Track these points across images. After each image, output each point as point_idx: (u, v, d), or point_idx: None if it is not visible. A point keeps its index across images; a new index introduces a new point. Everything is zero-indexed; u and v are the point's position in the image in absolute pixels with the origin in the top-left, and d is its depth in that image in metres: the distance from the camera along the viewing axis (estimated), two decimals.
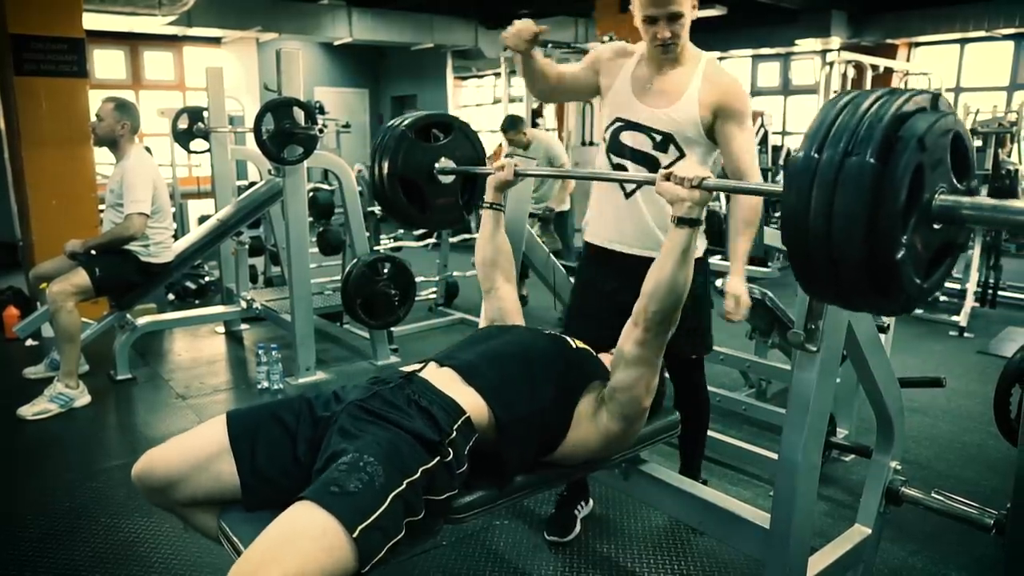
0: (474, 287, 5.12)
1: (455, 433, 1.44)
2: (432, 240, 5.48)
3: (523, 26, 1.99)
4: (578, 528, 2.36)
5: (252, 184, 4.93)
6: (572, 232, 5.66)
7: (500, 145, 6.64)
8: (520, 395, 1.56)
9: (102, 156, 4.43)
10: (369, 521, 1.21)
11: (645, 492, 2.04)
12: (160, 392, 3.65)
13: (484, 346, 1.68)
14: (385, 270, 3.80)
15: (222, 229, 4.01)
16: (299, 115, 3.34)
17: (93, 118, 3.56)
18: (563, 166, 5.20)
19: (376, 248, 4.58)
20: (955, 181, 1.10)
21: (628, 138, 2.07)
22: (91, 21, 5.51)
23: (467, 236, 5.49)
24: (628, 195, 2.09)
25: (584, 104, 6.98)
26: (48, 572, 2.13)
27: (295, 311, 3.62)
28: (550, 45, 7.00)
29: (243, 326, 4.71)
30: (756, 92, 10.58)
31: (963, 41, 9.06)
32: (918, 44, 9.46)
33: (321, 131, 3.48)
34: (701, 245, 2.15)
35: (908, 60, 9.40)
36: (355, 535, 1.18)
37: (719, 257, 4.52)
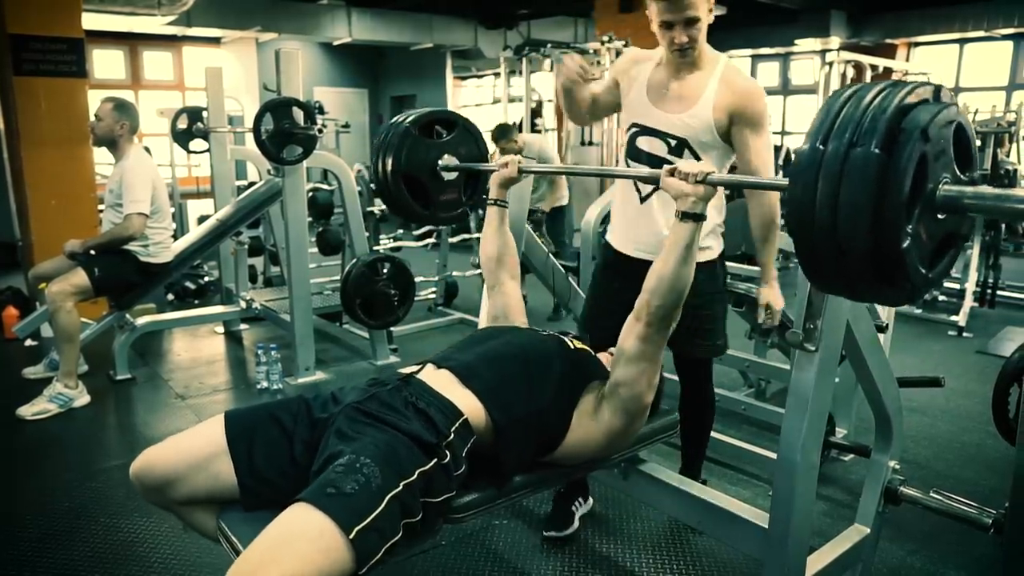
0: (473, 287, 5.14)
1: (452, 435, 1.44)
2: (432, 240, 5.48)
3: (572, 63, 2.07)
4: (576, 524, 2.36)
5: (251, 184, 4.93)
6: (571, 231, 5.66)
7: (493, 153, 6.65)
8: (518, 397, 1.56)
9: (101, 156, 4.44)
10: (366, 523, 1.21)
11: (644, 492, 2.04)
12: (159, 392, 3.65)
13: (482, 348, 1.67)
14: (384, 270, 3.80)
15: (221, 229, 4.01)
16: (298, 115, 3.34)
17: (92, 118, 3.56)
18: None
19: (375, 248, 4.57)
20: (958, 171, 1.11)
21: (644, 143, 2.08)
22: (90, 21, 5.50)
23: (466, 236, 5.49)
24: (643, 199, 2.10)
25: None
26: (47, 572, 2.13)
27: (294, 311, 3.62)
28: (549, 45, 7.02)
29: (242, 326, 4.72)
30: None
31: (962, 41, 9.06)
32: (917, 44, 9.46)
33: (320, 131, 3.48)
34: (717, 246, 2.15)
35: (907, 60, 9.40)
36: (352, 536, 1.18)
37: None
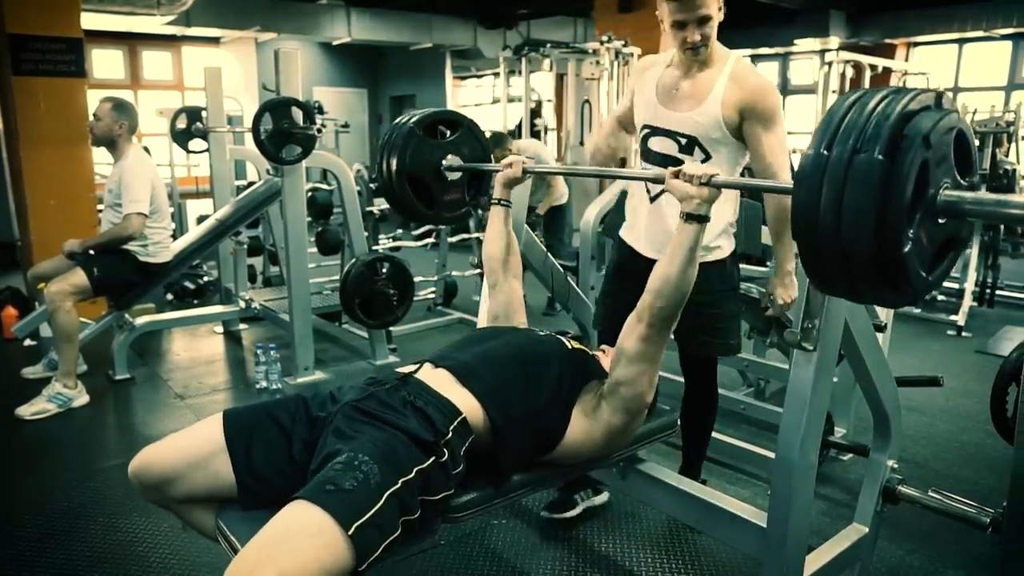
0: (473, 287, 5.13)
1: (451, 434, 1.44)
2: (431, 240, 5.48)
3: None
4: (576, 512, 2.37)
5: (251, 184, 4.93)
6: (570, 231, 5.66)
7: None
8: (516, 397, 1.56)
9: (100, 156, 4.44)
10: (364, 519, 1.21)
11: (643, 491, 2.04)
12: (158, 392, 3.65)
13: (480, 348, 1.68)
14: (384, 270, 3.80)
15: (220, 229, 4.01)
16: (297, 115, 3.34)
17: (91, 118, 3.56)
18: None
19: (375, 248, 4.57)
20: (958, 177, 1.13)
21: (656, 144, 2.10)
22: (89, 21, 5.50)
23: (466, 236, 5.49)
24: (653, 199, 2.12)
25: (582, 104, 6.99)
26: (46, 572, 2.13)
27: (293, 311, 3.63)
28: (549, 45, 7.02)
29: (242, 326, 4.71)
30: None
31: (961, 41, 9.07)
32: (916, 44, 9.46)
33: (319, 131, 3.48)
34: (728, 245, 2.15)
35: (907, 60, 9.41)
36: (350, 533, 1.19)
37: None
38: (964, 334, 4.67)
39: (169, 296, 5.36)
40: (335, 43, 11.19)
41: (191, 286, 5.43)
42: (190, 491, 1.46)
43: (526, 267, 2.71)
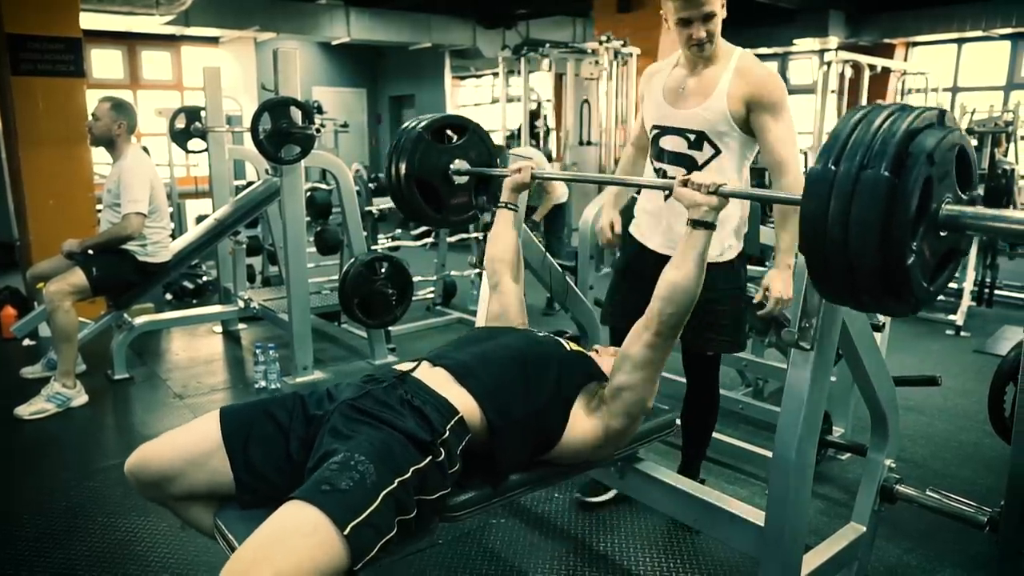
0: (472, 286, 5.13)
1: (448, 433, 1.44)
2: (430, 240, 5.48)
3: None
4: (611, 495, 2.43)
5: (250, 184, 4.93)
6: (569, 231, 5.67)
7: None
8: (514, 398, 1.56)
9: (99, 156, 4.43)
10: (360, 519, 1.21)
11: (641, 491, 2.04)
12: (157, 392, 3.65)
13: (478, 347, 1.68)
14: (383, 270, 3.80)
15: (219, 229, 4.01)
16: (296, 115, 3.34)
17: (90, 118, 3.56)
18: None
19: (374, 248, 4.57)
20: (959, 192, 1.19)
21: (666, 143, 2.14)
22: (88, 21, 5.50)
23: (464, 236, 5.49)
24: (667, 196, 2.13)
25: (581, 103, 7.00)
26: (45, 571, 2.13)
27: (292, 311, 3.63)
28: (548, 45, 7.02)
29: (240, 326, 4.71)
30: None
31: (960, 41, 9.08)
32: (915, 44, 9.47)
33: (318, 131, 3.48)
34: (737, 245, 2.17)
35: (905, 60, 9.41)
36: (346, 532, 1.19)
37: None
38: (963, 334, 4.67)
39: (168, 296, 5.36)
40: (334, 43, 11.19)
41: (190, 286, 5.44)
42: (187, 488, 1.46)
43: (525, 267, 2.71)
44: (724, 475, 2.70)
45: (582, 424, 1.63)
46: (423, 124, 2.22)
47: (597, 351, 1.87)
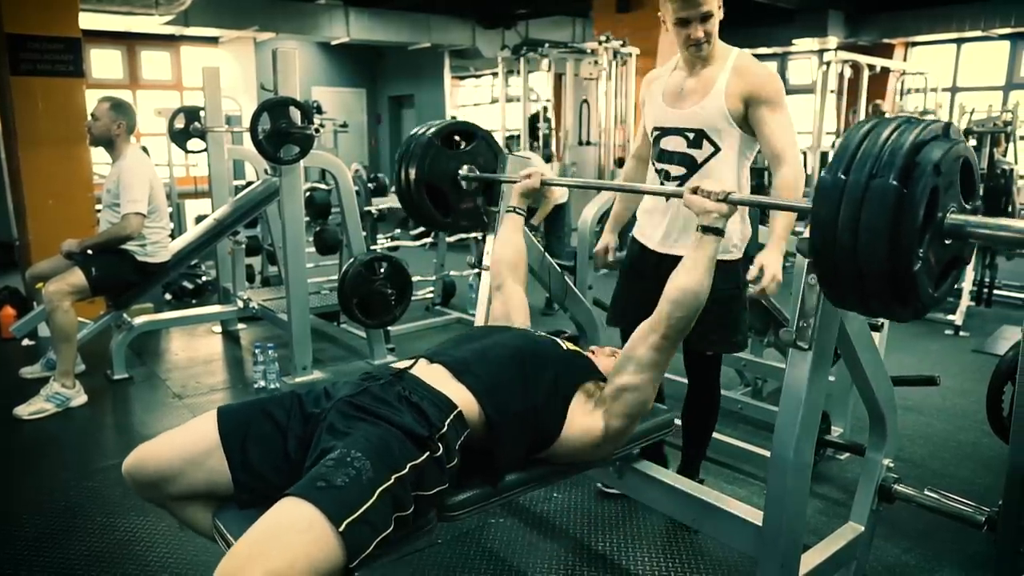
0: (470, 289, 5.13)
1: (446, 428, 1.44)
2: (429, 240, 5.49)
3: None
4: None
5: (249, 184, 4.93)
6: (569, 231, 5.67)
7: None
8: (512, 394, 1.56)
9: (99, 156, 4.43)
10: (356, 515, 1.21)
11: (639, 490, 2.05)
12: (157, 391, 3.65)
13: (476, 344, 1.69)
14: (382, 270, 3.80)
15: (219, 229, 4.01)
16: (295, 115, 3.34)
17: (89, 118, 3.56)
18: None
19: (373, 248, 4.57)
20: (963, 201, 1.24)
21: (667, 143, 2.17)
22: (88, 21, 5.50)
23: (464, 236, 5.49)
24: (668, 198, 2.18)
25: (581, 103, 7.00)
26: (44, 571, 2.14)
27: (292, 310, 3.63)
28: (547, 45, 7.02)
29: (240, 325, 4.72)
30: None
31: (959, 41, 9.08)
32: (915, 44, 9.48)
33: (317, 131, 3.48)
34: (739, 246, 2.19)
35: (905, 60, 9.42)
36: (341, 529, 1.18)
37: None
38: (962, 333, 4.67)
39: (167, 296, 5.36)
40: (334, 43, 11.19)
41: (189, 286, 5.43)
42: (185, 489, 1.45)
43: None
44: (723, 475, 2.71)
45: (580, 423, 1.63)
46: (433, 130, 2.30)
47: (593, 351, 1.89)
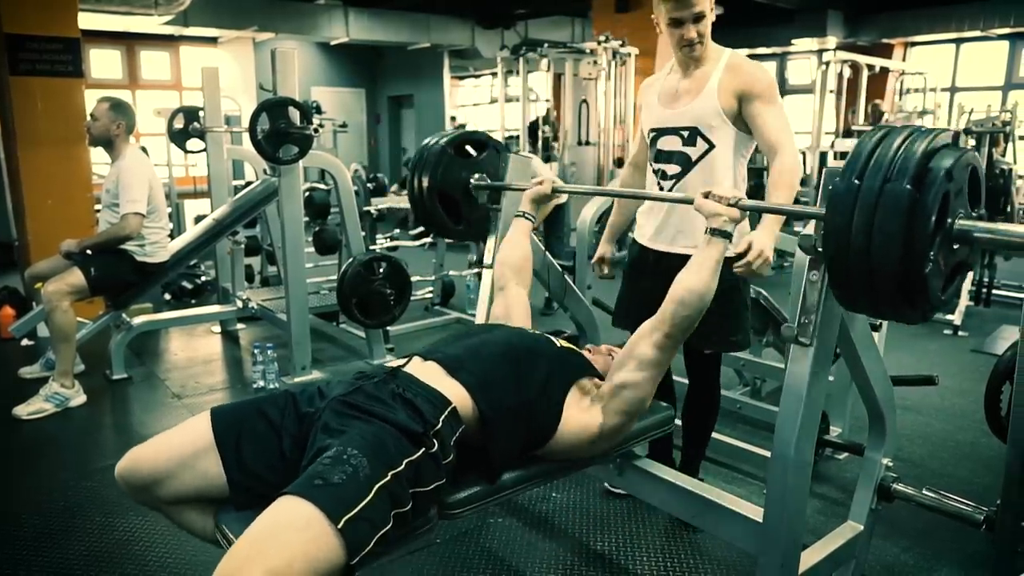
0: (468, 290, 5.13)
1: (441, 424, 1.44)
2: (428, 240, 5.49)
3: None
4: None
5: (248, 184, 4.92)
6: (568, 230, 5.67)
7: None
8: (506, 391, 1.57)
9: (98, 156, 4.43)
10: (354, 512, 1.21)
11: (640, 488, 2.05)
12: (156, 392, 3.65)
13: (469, 341, 1.70)
14: (381, 270, 3.80)
15: (218, 229, 4.01)
16: (294, 115, 3.34)
17: (88, 118, 3.56)
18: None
19: (372, 248, 4.58)
20: (970, 208, 1.28)
21: (663, 143, 2.20)
22: (87, 21, 5.50)
23: None
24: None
25: (580, 103, 7.00)
26: (43, 571, 2.13)
27: (291, 310, 3.63)
28: (546, 44, 7.03)
29: (239, 325, 4.71)
30: None
31: (958, 41, 9.09)
32: (914, 44, 9.48)
33: (316, 131, 3.48)
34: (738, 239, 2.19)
35: (904, 60, 9.43)
36: (340, 526, 1.18)
37: None
38: (961, 333, 4.67)
39: (167, 296, 5.36)
40: (333, 43, 11.19)
41: (189, 286, 5.43)
42: (179, 490, 1.44)
43: None
44: (722, 474, 2.71)
45: (576, 420, 1.63)
46: (445, 140, 2.34)
47: (591, 350, 1.90)
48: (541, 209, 2.22)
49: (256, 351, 3.60)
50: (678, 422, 2.37)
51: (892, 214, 1.18)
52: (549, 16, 10.67)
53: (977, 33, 8.47)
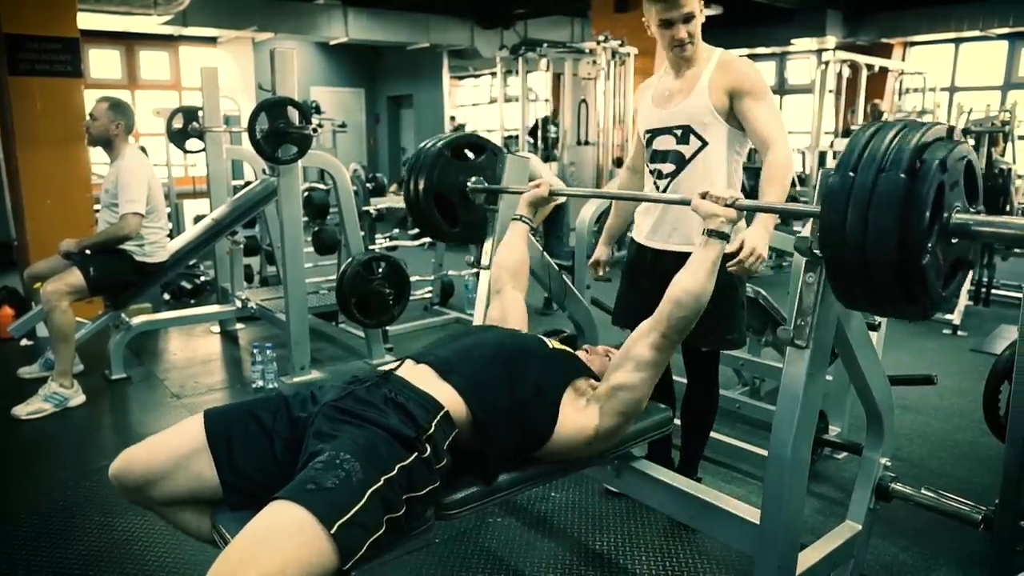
0: (467, 290, 5.13)
1: (433, 428, 1.44)
2: (427, 239, 5.48)
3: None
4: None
5: (247, 184, 4.92)
6: (568, 230, 5.67)
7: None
8: (498, 392, 1.57)
9: (97, 156, 4.43)
10: (347, 517, 1.21)
11: (637, 489, 2.04)
12: (155, 392, 3.65)
13: (461, 343, 1.70)
14: (380, 269, 3.80)
15: (217, 228, 4.00)
16: (293, 115, 3.34)
17: (87, 118, 3.56)
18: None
19: (371, 247, 4.58)
20: (968, 204, 1.27)
21: (657, 143, 2.22)
22: (86, 21, 5.50)
23: None
24: (662, 192, 2.23)
25: (579, 103, 7.00)
26: (42, 571, 2.13)
27: (290, 310, 3.62)
28: (546, 44, 7.03)
29: (238, 325, 4.72)
30: None
31: (958, 40, 9.09)
32: (913, 43, 9.49)
33: (315, 131, 3.48)
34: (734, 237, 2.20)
35: (903, 59, 9.43)
36: (333, 531, 1.18)
37: None
38: (959, 333, 4.68)
39: (166, 296, 5.36)
40: (332, 43, 11.19)
41: (188, 286, 5.43)
42: (172, 491, 1.45)
43: None
44: (721, 474, 2.71)
45: (573, 421, 1.63)
46: (442, 142, 2.34)
47: (587, 350, 1.89)
48: (539, 212, 2.22)
49: (255, 351, 3.60)
50: (677, 422, 2.38)
51: (887, 204, 1.17)
52: (548, 16, 10.67)
53: (976, 33, 8.47)
